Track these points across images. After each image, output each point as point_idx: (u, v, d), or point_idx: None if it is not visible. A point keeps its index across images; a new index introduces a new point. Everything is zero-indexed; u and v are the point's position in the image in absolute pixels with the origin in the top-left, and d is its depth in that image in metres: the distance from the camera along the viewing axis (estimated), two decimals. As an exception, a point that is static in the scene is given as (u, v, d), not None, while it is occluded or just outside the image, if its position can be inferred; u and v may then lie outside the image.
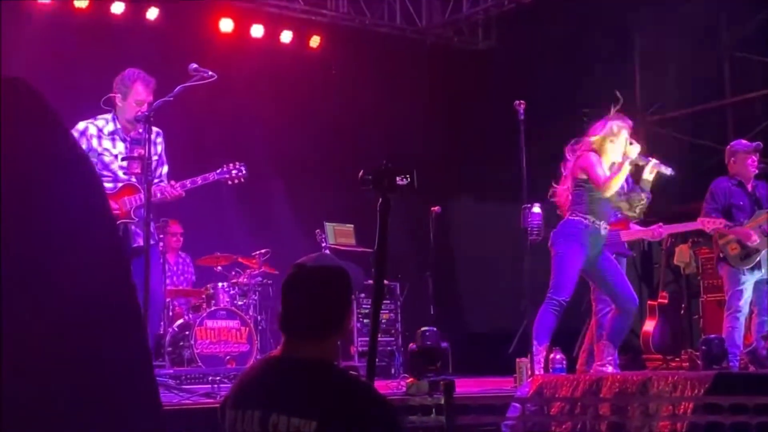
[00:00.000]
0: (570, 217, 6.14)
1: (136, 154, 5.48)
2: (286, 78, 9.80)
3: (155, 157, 5.51)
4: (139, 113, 5.59)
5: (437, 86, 10.56)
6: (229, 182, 6.02)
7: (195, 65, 5.64)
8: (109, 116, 5.75)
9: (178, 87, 5.49)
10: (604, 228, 6.13)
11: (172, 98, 5.45)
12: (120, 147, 5.70)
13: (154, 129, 5.70)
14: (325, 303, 2.63)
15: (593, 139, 6.14)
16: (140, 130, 5.50)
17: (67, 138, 2.67)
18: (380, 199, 3.03)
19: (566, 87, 9.81)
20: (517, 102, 6.27)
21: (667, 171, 6.22)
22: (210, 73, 5.59)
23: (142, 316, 2.55)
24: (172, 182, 5.70)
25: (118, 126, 5.73)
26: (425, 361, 6.69)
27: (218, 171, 5.96)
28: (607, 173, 6.03)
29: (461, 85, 10.45)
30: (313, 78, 9.99)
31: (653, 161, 6.19)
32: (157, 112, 5.45)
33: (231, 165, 6.00)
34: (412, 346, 7.05)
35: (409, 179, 3.06)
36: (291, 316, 2.63)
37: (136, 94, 5.64)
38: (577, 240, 6.07)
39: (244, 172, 6.02)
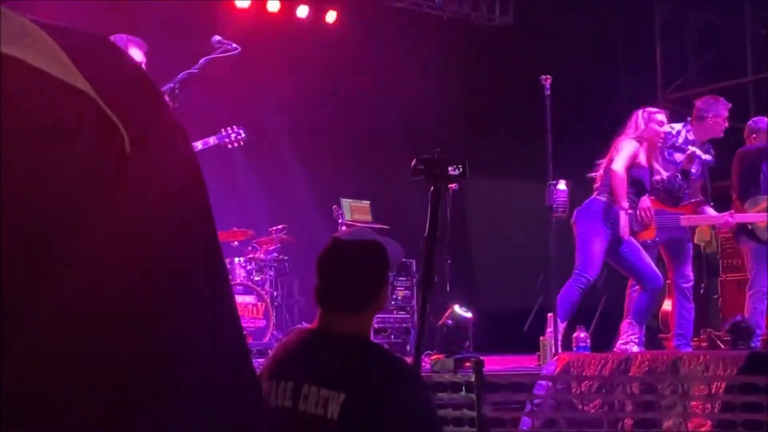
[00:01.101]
0: (595, 197, 6.18)
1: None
2: (302, 53, 9.71)
3: None
4: (171, 82, 5.56)
5: (454, 62, 10.47)
6: (229, 146, 6.04)
7: (218, 37, 5.60)
8: None
9: (203, 59, 5.44)
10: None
11: (197, 70, 5.40)
12: None
13: None
14: (361, 277, 2.63)
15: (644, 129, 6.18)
16: (166, 103, 5.45)
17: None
18: (431, 188, 3.07)
19: (585, 64, 9.72)
20: (543, 77, 6.19)
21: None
22: (234, 45, 5.55)
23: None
24: None
25: None
26: (461, 336, 6.66)
27: (217, 135, 5.96)
28: (624, 165, 6.08)
29: (478, 62, 10.36)
30: (329, 53, 9.89)
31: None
32: (182, 84, 5.39)
33: (229, 129, 6.01)
34: (447, 321, 6.98)
35: (461, 169, 3.12)
36: (327, 289, 2.62)
37: (133, 57, 5.60)
38: (598, 220, 6.10)
39: (242, 135, 6.04)
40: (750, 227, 6.87)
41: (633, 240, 6.32)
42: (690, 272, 6.63)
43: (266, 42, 9.41)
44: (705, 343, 7.54)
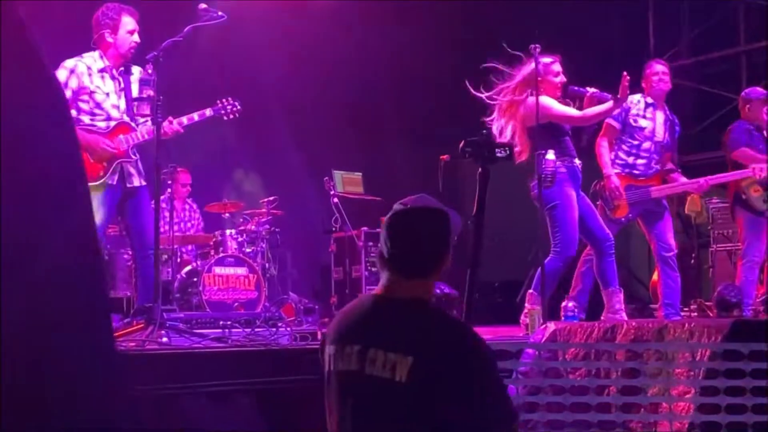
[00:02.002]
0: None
1: (144, 95, 5.41)
2: (293, 24, 9.64)
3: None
4: (133, 44, 5.55)
5: (447, 32, 10.41)
6: (225, 117, 6.01)
7: (204, 5, 5.57)
8: (96, 54, 5.69)
9: (188, 27, 5.40)
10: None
11: (181, 38, 5.37)
12: (110, 85, 5.66)
13: (137, 68, 5.65)
14: (428, 243, 2.68)
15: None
16: (149, 71, 5.42)
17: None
18: (480, 170, 3.20)
19: (577, 35, 9.66)
20: (533, 45, 6.14)
21: (606, 96, 6.19)
22: (219, 13, 5.51)
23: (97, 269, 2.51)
24: (170, 118, 5.64)
25: (107, 63, 5.69)
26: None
27: (213, 107, 5.93)
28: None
29: (471, 32, 10.29)
30: (320, 24, 9.83)
31: (591, 90, 6.16)
32: (165, 52, 5.36)
33: (225, 101, 5.99)
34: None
35: (507, 151, 3.26)
36: (393, 254, 2.67)
37: (125, 25, 5.61)
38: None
39: (238, 107, 6.02)
40: (744, 197, 6.87)
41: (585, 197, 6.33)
42: (671, 240, 6.60)
43: (257, 13, 9.36)
44: (695, 313, 7.57)
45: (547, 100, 6.12)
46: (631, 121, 6.63)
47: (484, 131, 3.35)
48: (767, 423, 4.24)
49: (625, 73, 6.01)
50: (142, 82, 5.50)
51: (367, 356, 2.58)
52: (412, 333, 2.58)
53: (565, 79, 6.25)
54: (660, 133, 6.68)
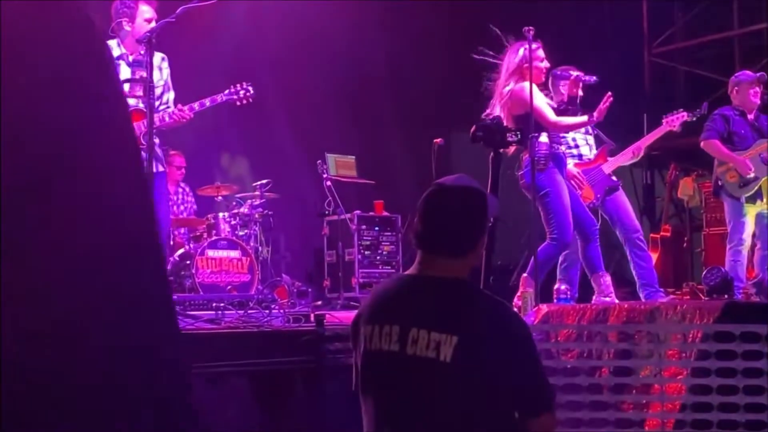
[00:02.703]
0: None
1: (137, 77, 5.39)
2: (287, 6, 9.61)
3: (161, 82, 5.45)
4: (148, 31, 5.54)
5: (442, 16, 10.39)
6: (238, 103, 5.98)
7: (197, -15, 5.52)
8: (113, 42, 5.67)
9: (181, 8, 5.37)
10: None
11: (174, 19, 5.34)
12: (126, 71, 5.65)
13: (159, 54, 5.63)
14: (465, 222, 2.66)
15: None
16: (141, 52, 5.40)
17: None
18: (492, 154, 3.26)
19: (570, 17, 9.65)
20: (526, 28, 6.12)
21: (591, 79, 6.16)
22: (213, -6, 5.46)
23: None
24: (179, 105, 5.63)
25: (124, 51, 5.69)
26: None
27: (226, 92, 5.91)
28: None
29: (464, 14, 10.26)
30: (316, 6, 9.79)
31: (575, 73, 6.13)
32: (159, 34, 5.34)
33: (238, 85, 5.97)
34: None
35: (518, 136, 3.33)
36: (431, 233, 2.66)
37: (143, 13, 5.61)
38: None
39: (251, 92, 5.99)
40: (720, 183, 6.90)
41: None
42: (634, 221, 6.48)
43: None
44: (687, 296, 7.59)
45: (530, 90, 6.04)
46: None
47: (495, 117, 3.49)
48: (758, 404, 4.27)
49: (609, 94, 5.98)
50: (135, 64, 5.49)
51: (409, 336, 2.54)
52: (457, 312, 2.56)
53: (548, 65, 6.22)
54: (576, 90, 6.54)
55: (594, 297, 6.20)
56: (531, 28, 6.10)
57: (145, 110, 5.49)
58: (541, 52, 6.21)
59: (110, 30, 5.68)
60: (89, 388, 2.19)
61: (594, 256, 6.20)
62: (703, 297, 6.98)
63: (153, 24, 5.62)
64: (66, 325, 2.17)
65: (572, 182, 6.44)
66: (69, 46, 2.21)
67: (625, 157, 6.74)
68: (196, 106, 5.71)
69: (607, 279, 6.23)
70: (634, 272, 6.45)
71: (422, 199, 2.69)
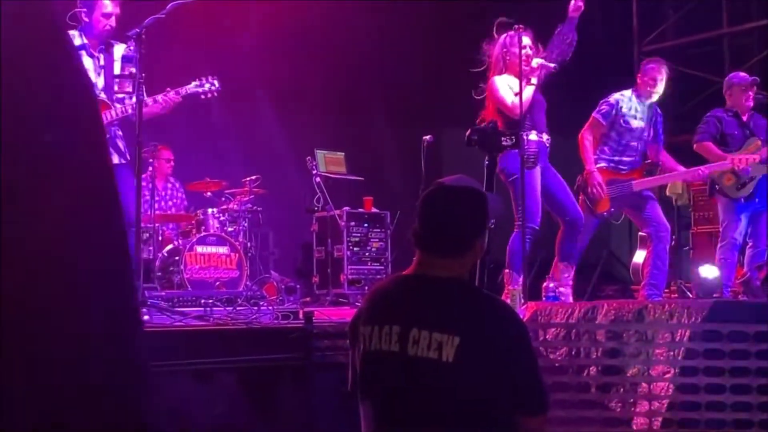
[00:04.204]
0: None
1: (127, 72, 5.36)
2: (278, 0, 9.59)
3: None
4: (108, 27, 5.49)
5: (431, 11, 10.38)
6: (203, 96, 5.95)
7: (188, -17, 5.50)
8: (75, 31, 5.63)
9: (171, 4, 5.35)
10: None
11: (164, 15, 5.32)
12: (88, 63, 5.60)
13: (122, 45, 5.59)
14: (465, 223, 2.65)
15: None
16: (131, 48, 5.38)
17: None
18: (486, 157, 3.27)
19: (561, 14, 9.63)
20: (517, 26, 6.13)
21: (551, 65, 6.19)
22: (203, -10, 5.45)
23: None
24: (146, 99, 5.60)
25: (85, 41, 5.63)
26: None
27: (192, 85, 5.88)
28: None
29: (453, 11, 10.26)
30: (306, 1, 9.78)
31: (538, 60, 6.16)
32: (148, 29, 5.32)
33: (204, 79, 5.93)
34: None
35: (513, 140, 3.36)
36: (430, 233, 2.65)
37: (102, 7, 5.55)
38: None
39: (217, 86, 5.95)
40: (718, 187, 6.91)
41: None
42: (663, 219, 6.60)
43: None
44: (676, 295, 7.62)
45: (496, 81, 6.16)
46: (621, 122, 6.59)
47: (491, 122, 3.54)
48: (745, 403, 4.29)
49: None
50: (124, 59, 5.46)
51: (409, 337, 2.54)
52: (458, 312, 2.56)
53: (530, 53, 6.21)
54: (647, 131, 6.69)
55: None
56: (521, 25, 6.12)
57: (108, 102, 5.46)
58: (525, 40, 6.22)
59: (69, 17, 5.62)
60: (45, 374, 2.18)
61: (570, 246, 6.24)
62: (690, 296, 7.01)
63: (112, 20, 5.56)
64: (23, 313, 2.16)
65: (591, 189, 6.46)
66: (28, 38, 2.20)
67: (688, 176, 6.79)
68: (159, 98, 5.68)
69: (572, 273, 6.27)
70: (646, 269, 6.51)
71: (422, 199, 2.68)
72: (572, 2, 6.22)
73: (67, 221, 2.24)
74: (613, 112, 6.60)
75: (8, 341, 2.09)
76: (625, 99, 6.64)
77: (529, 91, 6.08)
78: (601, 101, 6.70)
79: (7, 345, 2.10)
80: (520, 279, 5.95)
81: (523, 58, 6.06)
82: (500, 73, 6.17)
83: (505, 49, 6.17)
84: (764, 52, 9.57)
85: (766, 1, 9.74)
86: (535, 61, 6.12)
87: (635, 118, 6.63)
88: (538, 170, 6.09)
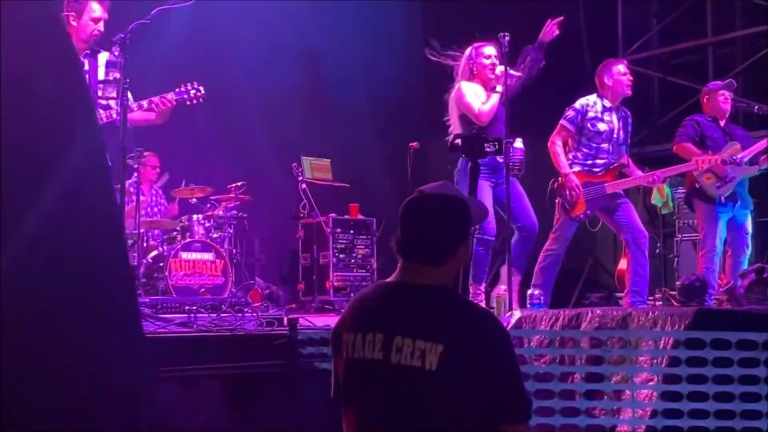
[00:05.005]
0: None
1: (111, 78, 5.35)
2: (264, 6, 9.58)
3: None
4: (96, 32, 5.48)
5: (418, 17, 10.42)
6: (188, 102, 5.93)
7: (173, -13, 5.50)
8: None
9: (155, 9, 5.34)
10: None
11: (148, 21, 5.31)
12: None
13: (105, 53, 5.58)
14: (446, 230, 2.64)
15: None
16: (115, 53, 5.36)
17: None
18: (470, 163, 3.38)
19: (545, 23, 9.66)
20: (502, 34, 6.17)
21: (516, 74, 6.27)
22: (188, -4, 5.45)
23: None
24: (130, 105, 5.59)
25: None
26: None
27: (175, 91, 5.86)
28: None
29: (439, 18, 10.29)
30: (291, 8, 9.78)
31: (500, 69, 6.26)
32: (132, 34, 5.30)
33: (189, 85, 5.91)
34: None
35: (496, 146, 3.43)
36: (411, 241, 2.64)
37: (91, 11, 5.53)
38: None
39: (202, 92, 5.94)
40: (698, 186, 6.94)
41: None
42: (641, 225, 6.66)
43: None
44: (660, 302, 7.63)
45: (463, 87, 6.28)
46: (588, 125, 6.64)
47: (475, 128, 3.64)
48: (728, 411, 4.30)
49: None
50: (109, 65, 5.44)
51: (393, 344, 2.53)
52: (441, 320, 2.55)
53: (496, 63, 6.29)
54: (617, 133, 6.73)
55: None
56: (506, 34, 6.16)
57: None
58: (487, 50, 6.33)
59: None
60: (50, 381, 2.17)
61: (518, 252, 6.35)
62: (675, 303, 7.03)
63: (100, 25, 5.55)
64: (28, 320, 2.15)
65: (568, 192, 6.49)
66: (36, 45, 2.19)
67: (644, 181, 6.82)
68: (144, 103, 5.67)
69: (517, 279, 6.33)
70: (628, 276, 6.54)
71: (403, 207, 2.68)
72: (547, 27, 6.30)
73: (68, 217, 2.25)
74: (579, 117, 6.64)
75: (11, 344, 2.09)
76: (590, 103, 6.68)
77: (494, 99, 6.20)
78: (567, 107, 6.75)
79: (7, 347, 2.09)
80: (482, 287, 6.05)
81: (488, 67, 6.29)
82: (468, 80, 6.26)
83: (471, 60, 6.29)
84: (748, 61, 9.62)
85: (750, 11, 9.80)
86: (499, 69, 6.22)
87: (602, 120, 6.66)
88: (486, 187, 6.14)
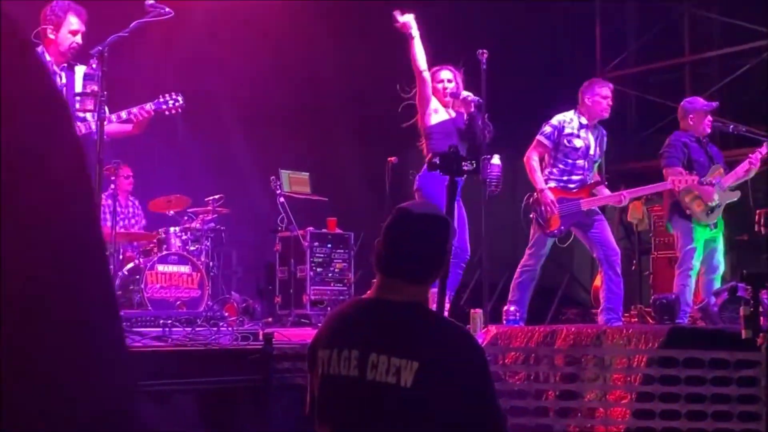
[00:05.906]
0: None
1: (89, 90, 5.32)
2: (243, 21, 9.60)
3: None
4: (75, 44, 5.45)
5: (398, 34, 10.42)
6: (167, 113, 5.90)
7: (152, 1, 5.48)
8: (38, 49, 5.58)
9: (134, 23, 5.33)
10: None
11: (127, 34, 5.29)
12: None
13: (83, 67, 5.55)
14: (429, 249, 2.65)
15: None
16: (93, 66, 5.34)
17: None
18: (448, 181, 3.37)
19: (523, 40, 9.74)
20: (480, 51, 6.20)
21: (475, 100, 6.34)
22: (167, 9, 5.43)
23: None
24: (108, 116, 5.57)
25: (49, 59, 5.59)
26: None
27: (154, 102, 5.83)
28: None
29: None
30: (271, 22, 9.79)
31: (465, 94, 6.35)
32: (111, 47, 5.29)
33: (167, 95, 5.89)
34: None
35: (474, 165, 3.45)
36: (393, 258, 2.63)
37: (69, 24, 5.51)
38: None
39: (181, 102, 5.91)
40: (688, 212, 6.94)
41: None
42: (614, 243, 6.71)
43: (206, 10, 9.29)
44: (635, 319, 7.67)
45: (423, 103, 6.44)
46: (565, 141, 6.70)
47: (452, 145, 3.62)
48: (701, 430, 4.32)
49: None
50: (86, 77, 5.41)
51: (368, 361, 2.53)
52: (417, 337, 2.56)
53: (451, 87, 6.45)
54: (593, 150, 6.78)
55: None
56: (485, 51, 6.20)
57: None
58: (442, 74, 6.41)
59: (33, 35, 5.58)
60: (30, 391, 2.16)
61: (452, 277, 6.34)
62: (650, 320, 7.07)
63: (78, 37, 5.53)
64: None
65: (543, 207, 6.52)
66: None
67: (611, 200, 6.87)
68: (123, 114, 5.65)
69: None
70: (602, 294, 6.56)
71: (386, 224, 2.67)
72: (465, 103, 6.37)
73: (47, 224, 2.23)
74: (556, 133, 6.68)
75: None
76: (567, 119, 6.73)
77: (443, 116, 6.38)
78: (544, 123, 6.79)
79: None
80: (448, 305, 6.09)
81: (441, 90, 6.46)
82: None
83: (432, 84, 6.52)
84: (724, 81, 9.72)
85: (727, 31, 9.90)
86: (464, 93, 6.35)
87: (578, 137, 6.70)
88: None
